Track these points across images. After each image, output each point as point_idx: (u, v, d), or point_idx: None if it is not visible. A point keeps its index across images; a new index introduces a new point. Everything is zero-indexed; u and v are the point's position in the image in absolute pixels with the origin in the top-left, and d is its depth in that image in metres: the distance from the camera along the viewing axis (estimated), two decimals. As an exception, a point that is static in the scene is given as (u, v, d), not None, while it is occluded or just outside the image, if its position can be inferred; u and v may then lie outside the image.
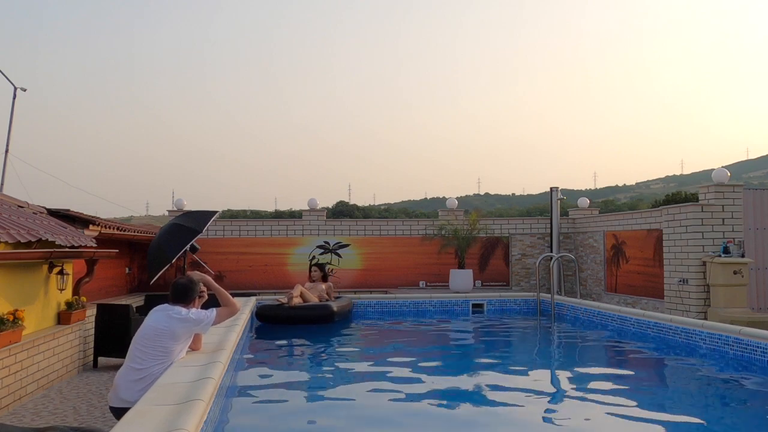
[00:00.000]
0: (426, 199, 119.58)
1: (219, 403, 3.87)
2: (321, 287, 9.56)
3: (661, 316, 7.63)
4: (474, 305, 10.58)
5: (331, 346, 8.04)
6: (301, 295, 9.05)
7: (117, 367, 7.51)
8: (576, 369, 6.55)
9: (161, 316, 4.15)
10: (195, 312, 4.25)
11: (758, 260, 10.20)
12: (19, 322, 5.63)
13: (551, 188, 13.84)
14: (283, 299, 8.94)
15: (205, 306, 4.51)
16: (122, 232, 10.05)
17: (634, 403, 4.85)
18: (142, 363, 3.97)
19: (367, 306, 10.37)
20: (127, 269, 12.26)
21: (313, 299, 9.17)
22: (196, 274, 4.69)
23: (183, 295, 4.28)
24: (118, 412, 3.78)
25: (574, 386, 5.62)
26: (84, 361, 7.43)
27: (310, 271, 10.05)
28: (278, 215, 46.27)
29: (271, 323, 8.86)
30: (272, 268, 14.00)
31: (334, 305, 9.06)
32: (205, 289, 4.60)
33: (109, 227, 9.34)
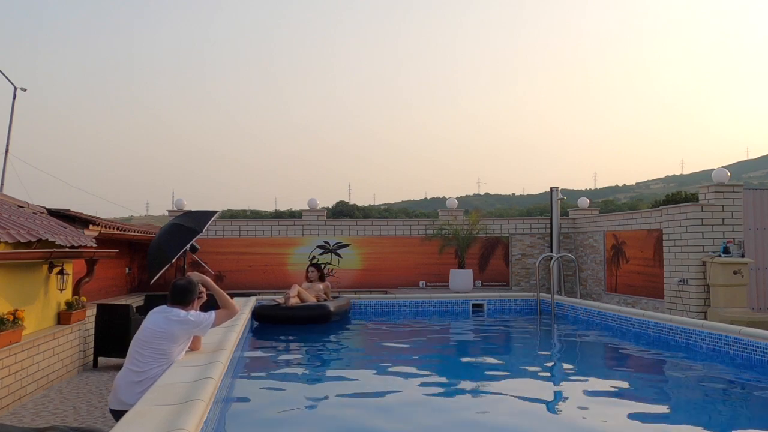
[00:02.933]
0: (426, 199, 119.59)
1: (219, 403, 3.87)
2: (318, 287, 9.56)
3: (661, 316, 7.63)
4: (474, 305, 10.57)
5: (330, 346, 8.04)
6: (299, 295, 9.05)
7: (117, 367, 7.52)
8: (576, 369, 6.55)
9: (159, 318, 4.11)
10: (194, 314, 4.23)
11: (758, 260, 10.20)
12: (19, 322, 5.64)
13: (551, 188, 13.84)
14: (281, 299, 8.94)
15: (205, 307, 4.49)
16: (122, 232, 10.05)
17: (634, 403, 4.85)
18: (141, 365, 3.94)
19: (366, 306, 10.37)
20: (127, 269, 12.26)
21: (311, 299, 9.16)
22: (195, 275, 4.67)
23: (182, 296, 4.25)
24: (118, 415, 3.77)
25: (574, 386, 5.62)
26: (84, 361, 7.43)
27: (307, 271, 10.04)
28: (278, 215, 46.27)
29: (269, 323, 8.86)
30: (272, 268, 14.00)
31: (332, 305, 9.05)
32: (204, 289, 4.57)
33: (109, 227, 9.34)
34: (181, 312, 4.16)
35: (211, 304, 4.56)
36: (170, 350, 4.04)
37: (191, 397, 3.11)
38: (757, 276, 10.23)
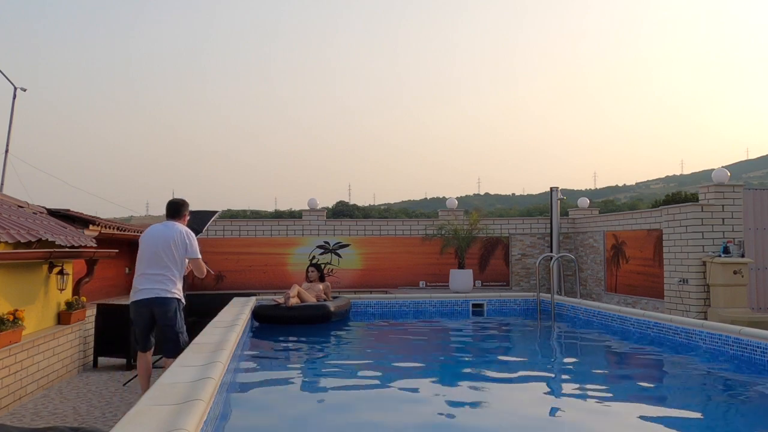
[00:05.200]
0: (426, 199, 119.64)
1: (219, 403, 3.87)
2: (318, 287, 9.55)
3: (661, 316, 7.63)
4: (474, 305, 10.57)
5: (330, 346, 8.04)
6: (299, 295, 9.04)
7: (117, 367, 7.55)
8: (576, 369, 6.55)
9: (160, 228, 5.55)
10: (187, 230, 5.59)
11: (758, 260, 10.20)
12: (19, 322, 5.64)
13: (551, 188, 13.84)
14: (280, 299, 8.93)
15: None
16: (122, 232, 10.05)
17: (634, 404, 4.85)
18: (157, 264, 5.41)
19: (366, 306, 10.36)
20: (126, 269, 12.26)
21: (311, 299, 9.16)
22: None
23: (176, 210, 5.66)
24: (137, 305, 5.44)
25: (574, 386, 5.62)
26: (84, 361, 7.43)
27: (307, 271, 10.03)
28: (278, 215, 46.25)
29: (268, 323, 8.86)
30: (272, 268, 14.00)
31: (332, 305, 9.04)
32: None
33: (109, 227, 9.34)
34: (178, 223, 5.58)
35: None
36: (174, 256, 5.44)
37: (191, 397, 3.11)
38: (757, 276, 10.23)
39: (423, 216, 35.57)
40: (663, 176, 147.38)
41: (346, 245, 14.24)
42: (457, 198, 15.87)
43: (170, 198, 5.80)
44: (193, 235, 5.57)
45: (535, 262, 13.14)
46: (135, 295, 5.44)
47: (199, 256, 5.59)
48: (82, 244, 7.10)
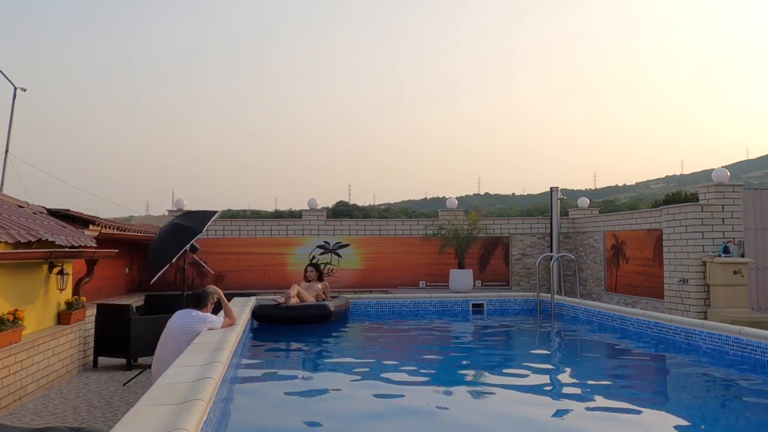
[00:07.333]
0: (426, 199, 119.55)
1: (219, 403, 3.87)
2: (317, 287, 9.55)
3: (661, 316, 7.63)
4: (474, 305, 10.57)
5: (330, 346, 8.04)
6: (298, 295, 9.05)
7: (117, 367, 7.55)
8: (576, 369, 6.55)
9: (184, 317, 5.33)
10: (209, 315, 5.55)
11: (758, 260, 10.20)
12: (19, 322, 5.64)
13: (551, 188, 13.84)
14: (280, 299, 8.94)
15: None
16: (122, 232, 10.04)
17: (634, 404, 4.85)
18: (170, 352, 4.92)
19: (366, 306, 10.36)
20: (126, 269, 12.26)
21: (310, 299, 9.16)
22: (211, 287, 5.83)
23: (198, 302, 5.54)
24: None
25: (574, 386, 5.62)
26: (84, 361, 7.43)
27: (306, 271, 10.02)
28: (278, 215, 46.24)
29: (269, 323, 8.86)
30: (272, 268, 14.00)
31: (331, 305, 9.05)
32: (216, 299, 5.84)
33: (109, 227, 9.33)
34: (200, 313, 5.44)
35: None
36: (191, 341, 5.11)
37: (191, 397, 3.11)
38: (757, 276, 10.23)
39: (423, 216, 35.56)
40: (663, 176, 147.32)
41: (346, 245, 14.24)
42: (457, 198, 15.86)
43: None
44: (214, 317, 5.61)
45: (535, 262, 13.13)
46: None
47: (222, 322, 5.69)
48: (82, 244, 7.10)
